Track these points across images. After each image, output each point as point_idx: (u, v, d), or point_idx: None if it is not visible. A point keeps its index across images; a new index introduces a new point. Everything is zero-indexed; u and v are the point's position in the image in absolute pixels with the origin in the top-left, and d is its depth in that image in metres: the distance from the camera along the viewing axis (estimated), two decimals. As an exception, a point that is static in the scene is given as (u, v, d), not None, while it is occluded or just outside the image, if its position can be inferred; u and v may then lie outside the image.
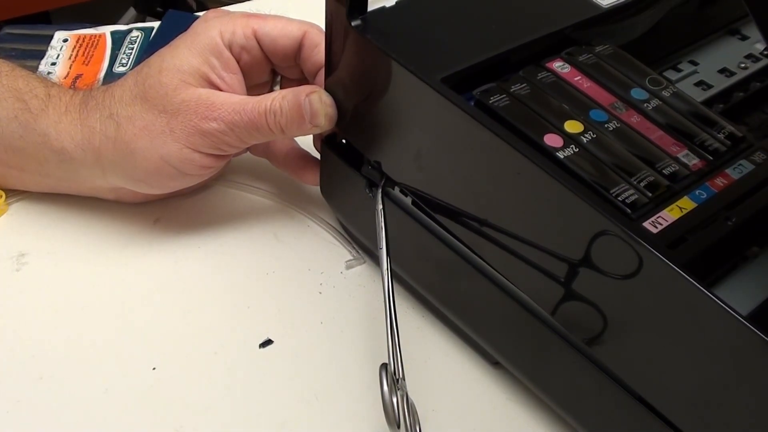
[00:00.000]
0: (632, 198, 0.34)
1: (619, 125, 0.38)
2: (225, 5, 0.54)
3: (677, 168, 0.36)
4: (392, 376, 0.36)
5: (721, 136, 0.38)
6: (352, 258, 0.48)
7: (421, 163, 0.40)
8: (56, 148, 0.44)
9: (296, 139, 0.50)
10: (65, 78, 0.58)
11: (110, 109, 0.43)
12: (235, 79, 0.44)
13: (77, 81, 0.58)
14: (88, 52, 0.60)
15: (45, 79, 0.46)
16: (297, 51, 0.45)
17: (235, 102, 0.42)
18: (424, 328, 0.45)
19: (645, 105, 0.39)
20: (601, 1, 0.44)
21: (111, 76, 0.58)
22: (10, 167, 0.46)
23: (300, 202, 0.51)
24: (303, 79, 0.47)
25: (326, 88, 0.43)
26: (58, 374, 0.41)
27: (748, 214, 0.35)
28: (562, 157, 0.35)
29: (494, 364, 0.43)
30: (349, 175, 0.44)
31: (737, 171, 0.37)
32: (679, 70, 0.46)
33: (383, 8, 0.41)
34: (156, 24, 0.64)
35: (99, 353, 0.42)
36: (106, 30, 0.63)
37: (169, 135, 0.42)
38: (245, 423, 0.40)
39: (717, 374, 0.31)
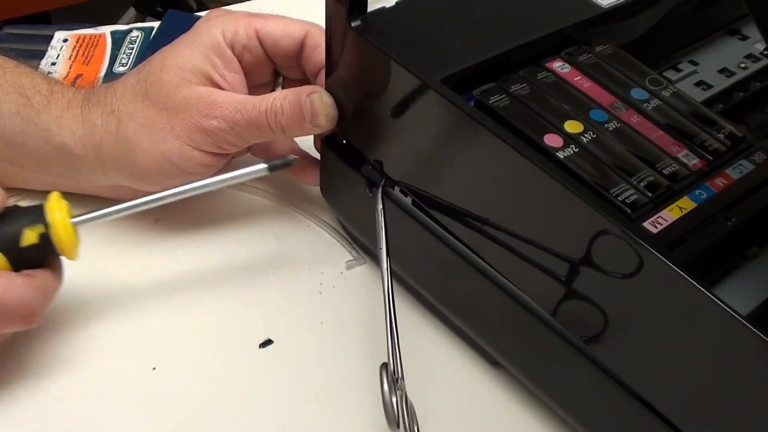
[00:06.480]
0: (632, 198, 0.34)
1: (619, 125, 0.38)
2: (226, 5, 0.54)
3: (677, 168, 0.36)
4: (392, 375, 0.36)
5: (721, 136, 0.38)
6: (352, 258, 0.48)
7: (421, 163, 0.40)
8: (57, 143, 0.44)
9: (296, 139, 0.50)
10: (65, 78, 0.58)
11: (112, 106, 0.43)
12: (237, 78, 0.44)
13: (77, 81, 0.58)
14: (88, 52, 0.60)
15: (48, 77, 0.46)
16: (299, 51, 0.45)
17: (236, 101, 0.42)
18: (424, 328, 0.45)
19: (645, 105, 0.39)
20: (601, 1, 0.44)
21: (111, 76, 0.58)
22: (11, 163, 0.46)
23: (300, 202, 0.51)
24: (305, 80, 0.47)
25: (326, 89, 0.43)
26: (57, 374, 0.41)
27: (748, 214, 0.35)
28: (562, 157, 0.35)
29: (494, 364, 0.43)
30: (349, 175, 0.44)
31: (737, 171, 0.37)
32: (679, 70, 0.46)
33: (383, 8, 0.41)
34: (156, 24, 0.64)
35: (99, 353, 0.42)
36: (106, 30, 0.63)
37: (169, 132, 0.42)
38: (245, 423, 0.40)
39: (717, 374, 0.31)
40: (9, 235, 0.37)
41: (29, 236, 0.37)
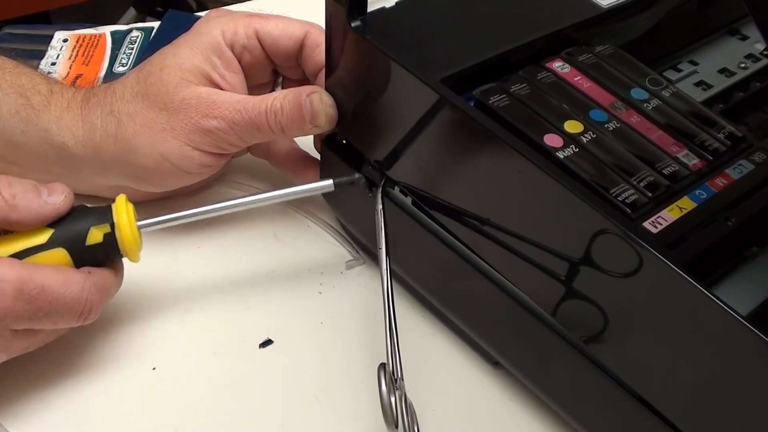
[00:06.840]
0: (632, 198, 0.34)
1: (619, 125, 0.38)
2: (226, 5, 0.54)
3: (677, 168, 0.36)
4: (390, 375, 0.36)
5: (721, 136, 0.38)
6: (352, 258, 0.48)
7: (421, 163, 0.40)
8: (57, 143, 0.44)
9: (296, 139, 0.50)
10: (65, 78, 0.58)
11: (111, 106, 0.43)
12: (237, 78, 0.44)
13: (77, 81, 0.58)
14: (88, 52, 0.60)
15: (48, 77, 0.46)
16: (298, 51, 0.45)
17: (236, 101, 0.42)
18: (424, 328, 0.45)
19: (645, 105, 0.39)
20: (601, 1, 0.44)
21: (111, 76, 0.58)
22: (10, 163, 0.46)
23: (300, 202, 0.51)
24: (304, 80, 0.47)
25: (326, 89, 0.43)
26: (57, 374, 0.41)
27: (748, 214, 0.35)
28: (562, 157, 0.35)
29: (494, 364, 0.43)
30: (349, 176, 0.44)
31: (737, 171, 0.37)
32: (679, 70, 0.46)
33: (383, 9, 0.41)
34: (156, 24, 0.64)
35: (99, 353, 0.42)
36: (106, 30, 0.63)
37: (169, 132, 0.42)
38: (245, 423, 0.40)
39: (716, 374, 0.31)
40: (75, 232, 0.37)
41: (95, 235, 0.38)
